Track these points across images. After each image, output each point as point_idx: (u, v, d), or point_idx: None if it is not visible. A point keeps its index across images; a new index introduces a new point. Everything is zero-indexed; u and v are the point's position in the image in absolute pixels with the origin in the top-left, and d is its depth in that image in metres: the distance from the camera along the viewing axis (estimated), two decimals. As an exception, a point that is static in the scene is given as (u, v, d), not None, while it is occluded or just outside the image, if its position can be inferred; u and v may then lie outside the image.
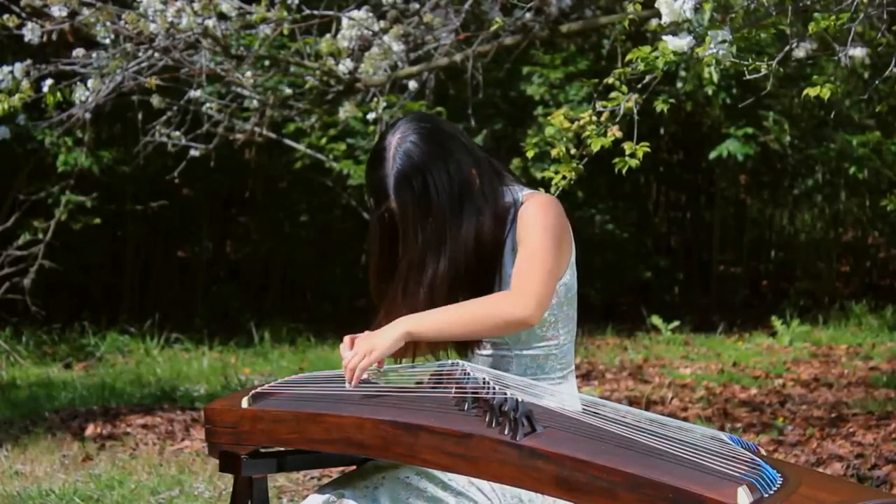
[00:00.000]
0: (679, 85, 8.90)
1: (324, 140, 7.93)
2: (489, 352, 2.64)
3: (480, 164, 2.63)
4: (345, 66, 5.93)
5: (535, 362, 2.64)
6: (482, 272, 2.61)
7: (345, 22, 5.84)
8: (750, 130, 9.72)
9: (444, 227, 2.56)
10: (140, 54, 5.78)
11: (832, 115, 9.28)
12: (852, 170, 9.86)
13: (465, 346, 2.63)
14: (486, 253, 2.60)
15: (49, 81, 5.58)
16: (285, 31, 6.11)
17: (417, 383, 2.46)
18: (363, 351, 2.46)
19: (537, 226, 2.57)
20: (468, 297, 2.56)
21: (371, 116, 6.39)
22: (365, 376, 2.46)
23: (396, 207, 2.58)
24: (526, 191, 2.67)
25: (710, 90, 8.27)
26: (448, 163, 2.58)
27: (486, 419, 2.22)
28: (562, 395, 2.54)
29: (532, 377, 2.59)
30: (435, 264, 2.56)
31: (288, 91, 6.81)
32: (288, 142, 7.90)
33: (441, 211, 2.56)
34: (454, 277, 2.57)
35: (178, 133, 6.65)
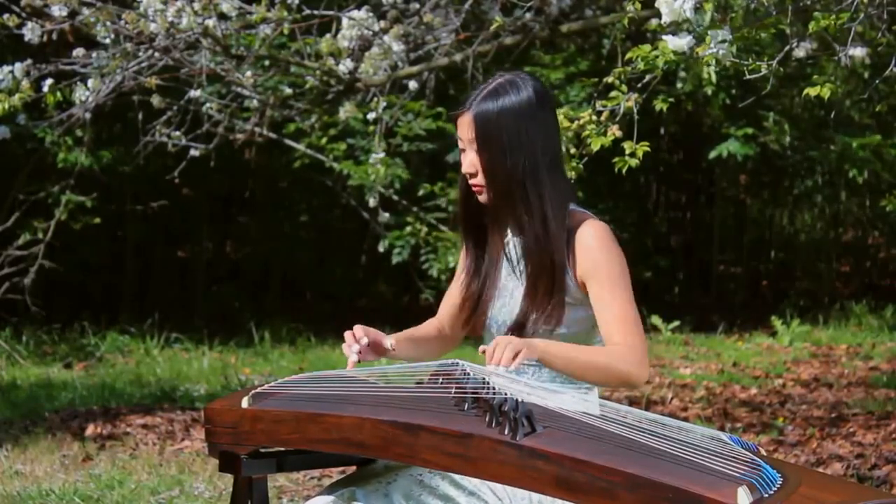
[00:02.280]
0: (679, 85, 8.89)
1: (324, 140, 7.93)
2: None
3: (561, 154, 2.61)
4: (345, 66, 5.93)
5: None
6: (551, 250, 2.56)
7: (345, 22, 5.84)
8: (750, 130, 9.71)
9: (519, 168, 2.52)
10: (140, 54, 5.78)
11: (832, 115, 9.28)
12: (852, 173, 9.86)
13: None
14: (553, 232, 2.55)
15: (49, 81, 5.58)
16: (285, 31, 6.11)
17: (417, 383, 2.46)
18: (512, 350, 2.39)
19: (615, 272, 2.53)
20: (533, 270, 2.54)
21: (371, 116, 6.39)
22: (366, 377, 2.46)
23: (473, 119, 2.53)
24: (571, 206, 2.62)
25: (709, 90, 8.26)
26: (548, 125, 2.56)
27: (486, 419, 2.22)
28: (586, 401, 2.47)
29: (561, 384, 2.55)
30: (513, 203, 2.53)
31: (288, 91, 6.81)
32: (288, 142, 7.89)
33: (522, 154, 2.51)
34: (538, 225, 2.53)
35: (178, 133, 6.65)
